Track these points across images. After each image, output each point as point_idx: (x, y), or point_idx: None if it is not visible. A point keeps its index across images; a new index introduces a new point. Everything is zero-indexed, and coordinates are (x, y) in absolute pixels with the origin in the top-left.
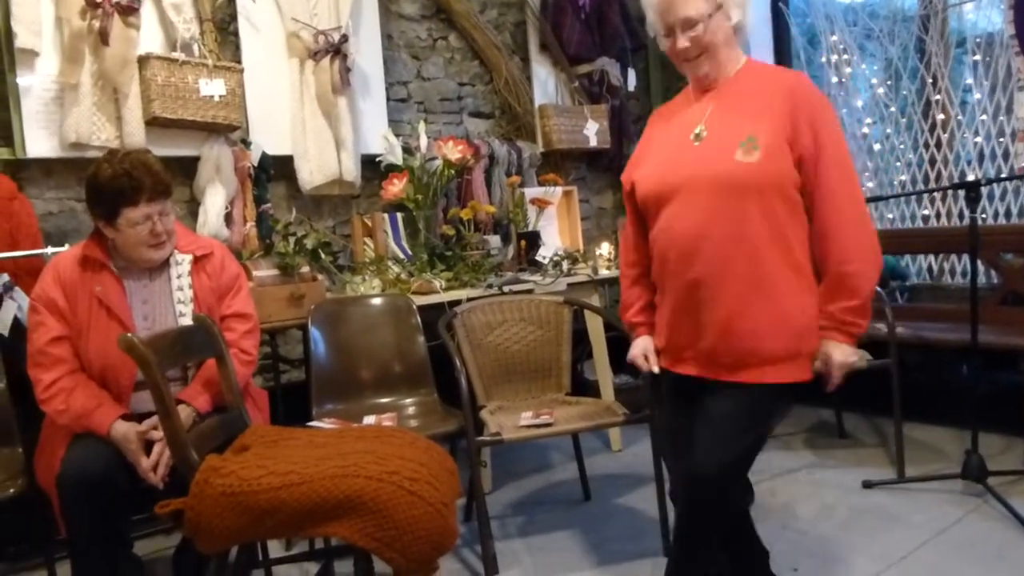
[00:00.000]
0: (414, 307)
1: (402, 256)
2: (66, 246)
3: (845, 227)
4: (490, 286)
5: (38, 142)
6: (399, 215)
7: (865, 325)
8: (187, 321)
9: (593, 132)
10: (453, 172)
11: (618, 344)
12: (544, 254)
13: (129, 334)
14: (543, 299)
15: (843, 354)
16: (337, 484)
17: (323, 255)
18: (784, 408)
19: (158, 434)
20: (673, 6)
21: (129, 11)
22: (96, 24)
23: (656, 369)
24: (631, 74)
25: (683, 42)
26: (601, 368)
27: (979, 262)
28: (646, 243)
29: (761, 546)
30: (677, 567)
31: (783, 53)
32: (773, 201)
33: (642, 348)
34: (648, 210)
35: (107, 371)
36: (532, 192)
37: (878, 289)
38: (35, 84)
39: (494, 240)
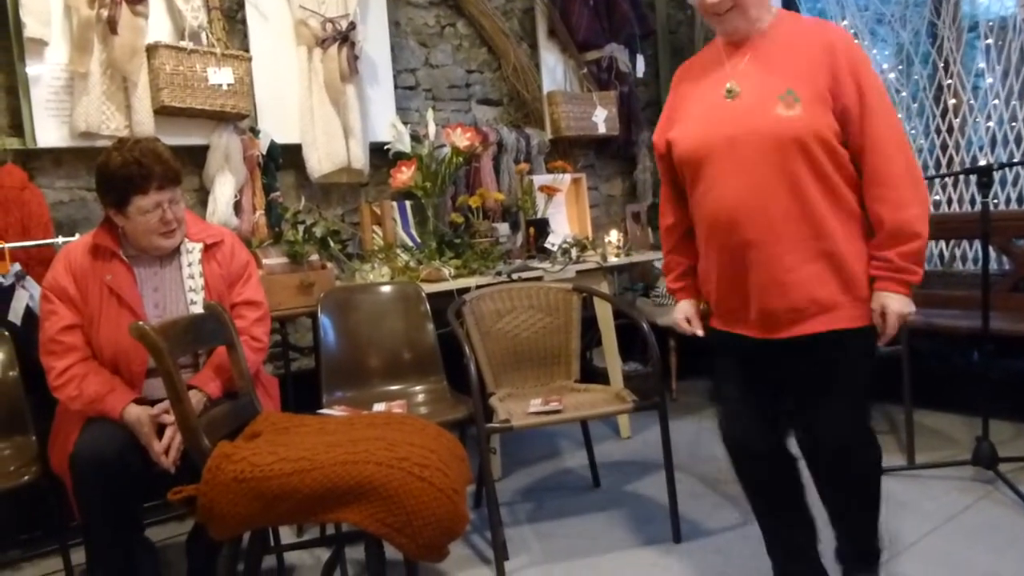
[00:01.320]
0: (423, 295)
1: (411, 244)
2: (77, 235)
3: (898, 174)
4: (499, 273)
5: (48, 131)
6: (408, 203)
7: (921, 273)
8: (198, 309)
9: (602, 119)
10: (461, 160)
11: (627, 331)
12: (553, 241)
13: (140, 322)
14: (552, 286)
15: (901, 304)
16: (348, 470)
17: (332, 243)
18: (865, 353)
19: (170, 418)
20: None
21: (137, 0)
22: (104, 13)
23: (700, 332)
24: (640, 60)
25: None
26: (610, 355)
27: (991, 248)
28: (684, 204)
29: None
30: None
31: (854, 41)
32: (818, 153)
33: (684, 312)
34: (687, 171)
35: (119, 358)
36: (541, 179)
37: None
38: (44, 73)
39: (503, 227)
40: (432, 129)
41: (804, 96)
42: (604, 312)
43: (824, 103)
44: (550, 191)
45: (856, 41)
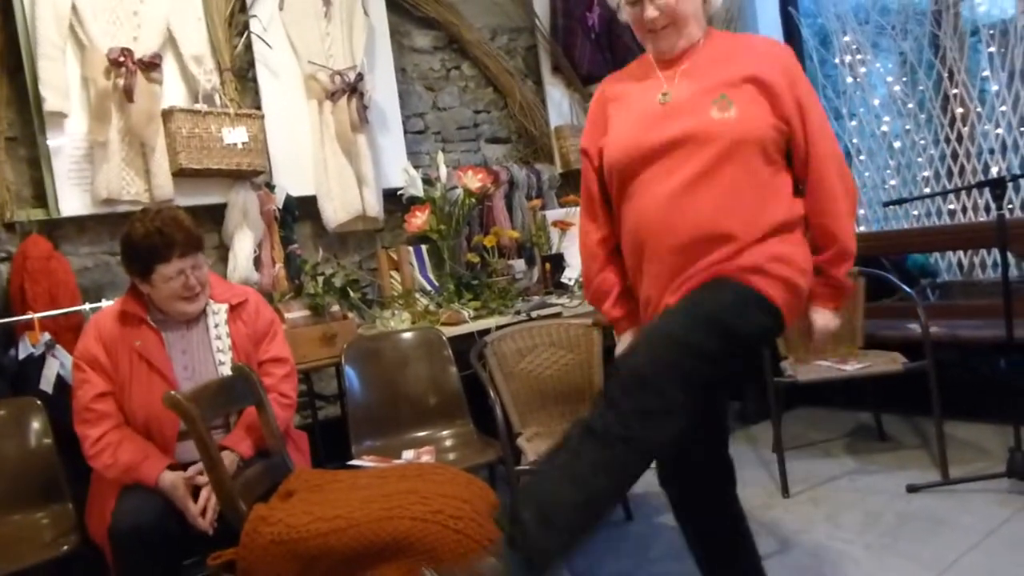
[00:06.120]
0: (445, 339)
1: (429, 288)
2: (103, 300)
3: (835, 190)
4: (518, 312)
5: (71, 200)
6: (424, 247)
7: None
8: (227, 369)
9: None
10: (474, 200)
11: None
12: (569, 275)
13: (173, 392)
14: (572, 323)
15: (829, 320)
16: (383, 526)
17: (352, 293)
18: (755, 332)
19: (203, 479)
20: None
21: (151, 67)
22: (121, 82)
23: None
24: None
25: (651, 12)
26: None
27: (1009, 255)
28: (611, 217)
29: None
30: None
31: (795, 55)
32: (754, 157)
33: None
34: (618, 179)
35: (151, 423)
36: (553, 214)
37: (909, 291)
38: (65, 144)
39: (519, 264)
40: (443, 172)
41: (738, 100)
42: None
43: (762, 107)
44: (563, 226)
45: (860, 55)
